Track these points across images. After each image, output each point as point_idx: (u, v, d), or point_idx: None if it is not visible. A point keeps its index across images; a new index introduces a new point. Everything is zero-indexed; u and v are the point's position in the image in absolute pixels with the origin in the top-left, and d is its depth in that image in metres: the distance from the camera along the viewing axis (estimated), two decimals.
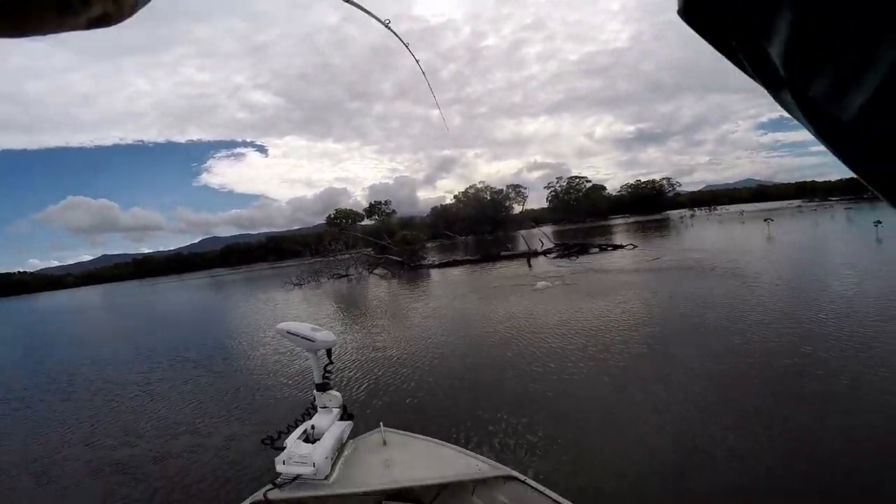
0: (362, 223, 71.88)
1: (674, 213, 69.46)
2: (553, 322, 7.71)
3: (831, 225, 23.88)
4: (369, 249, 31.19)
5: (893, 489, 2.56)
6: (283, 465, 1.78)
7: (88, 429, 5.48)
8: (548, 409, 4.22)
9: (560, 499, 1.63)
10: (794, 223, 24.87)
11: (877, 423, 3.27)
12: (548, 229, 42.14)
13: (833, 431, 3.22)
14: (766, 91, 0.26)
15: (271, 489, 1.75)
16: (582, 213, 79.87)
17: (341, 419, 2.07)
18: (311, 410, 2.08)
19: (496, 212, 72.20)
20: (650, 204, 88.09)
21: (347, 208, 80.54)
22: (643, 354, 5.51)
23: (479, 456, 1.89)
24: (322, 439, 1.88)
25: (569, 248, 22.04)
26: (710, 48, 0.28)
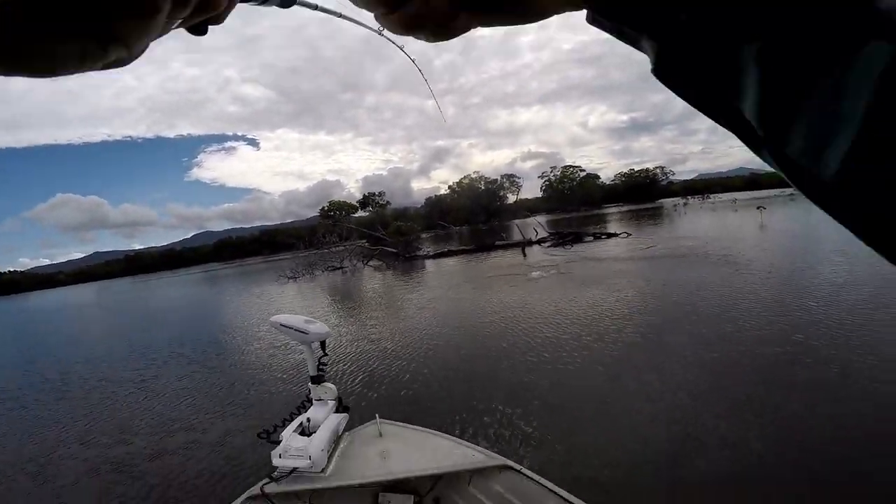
0: (356, 215, 71.65)
1: (667, 202, 69.68)
2: (547, 311, 7.75)
3: (823, 213, 23.93)
4: (363, 241, 31.04)
5: (882, 476, 2.61)
6: (280, 459, 1.77)
7: (84, 427, 5.46)
8: (542, 398, 4.25)
9: (555, 488, 1.64)
10: (786, 211, 25.05)
11: (866, 410, 3.33)
12: (542, 218, 42.13)
13: (823, 419, 3.27)
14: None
15: (268, 483, 1.74)
16: (576, 202, 79.83)
17: (337, 411, 2.07)
18: (306, 403, 2.07)
19: (490, 202, 71.85)
20: (644, 193, 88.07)
21: (341, 200, 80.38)
22: (637, 343, 5.56)
23: (474, 446, 1.90)
24: (318, 432, 1.87)
25: (563, 236, 22.08)
26: None
